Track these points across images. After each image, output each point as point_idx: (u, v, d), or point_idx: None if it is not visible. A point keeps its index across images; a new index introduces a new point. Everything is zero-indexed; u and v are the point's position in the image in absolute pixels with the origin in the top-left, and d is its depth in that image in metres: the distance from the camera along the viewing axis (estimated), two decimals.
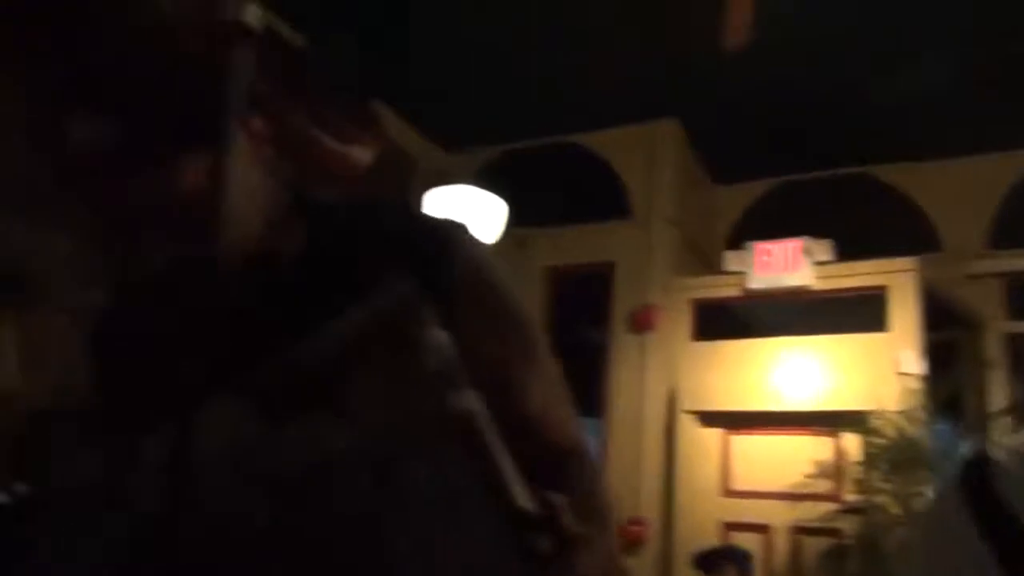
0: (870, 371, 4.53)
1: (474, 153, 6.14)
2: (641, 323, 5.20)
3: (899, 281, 4.68)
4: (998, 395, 5.10)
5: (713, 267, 5.58)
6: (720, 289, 5.15)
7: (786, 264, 4.85)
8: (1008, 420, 4.83)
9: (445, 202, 4.18)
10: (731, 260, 5.08)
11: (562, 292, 5.69)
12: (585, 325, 5.66)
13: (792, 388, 4.72)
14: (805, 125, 5.30)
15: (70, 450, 0.87)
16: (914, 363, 4.43)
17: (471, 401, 0.72)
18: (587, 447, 0.98)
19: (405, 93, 5.26)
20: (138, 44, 0.71)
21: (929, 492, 4.12)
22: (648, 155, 5.53)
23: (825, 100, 4.99)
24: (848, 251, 4.97)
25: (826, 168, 5.82)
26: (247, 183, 0.79)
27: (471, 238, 0.92)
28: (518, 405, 0.88)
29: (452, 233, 0.90)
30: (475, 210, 4.19)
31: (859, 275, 4.78)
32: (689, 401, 5.01)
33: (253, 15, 0.72)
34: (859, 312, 4.75)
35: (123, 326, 0.91)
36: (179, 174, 0.75)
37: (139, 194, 0.75)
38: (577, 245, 5.62)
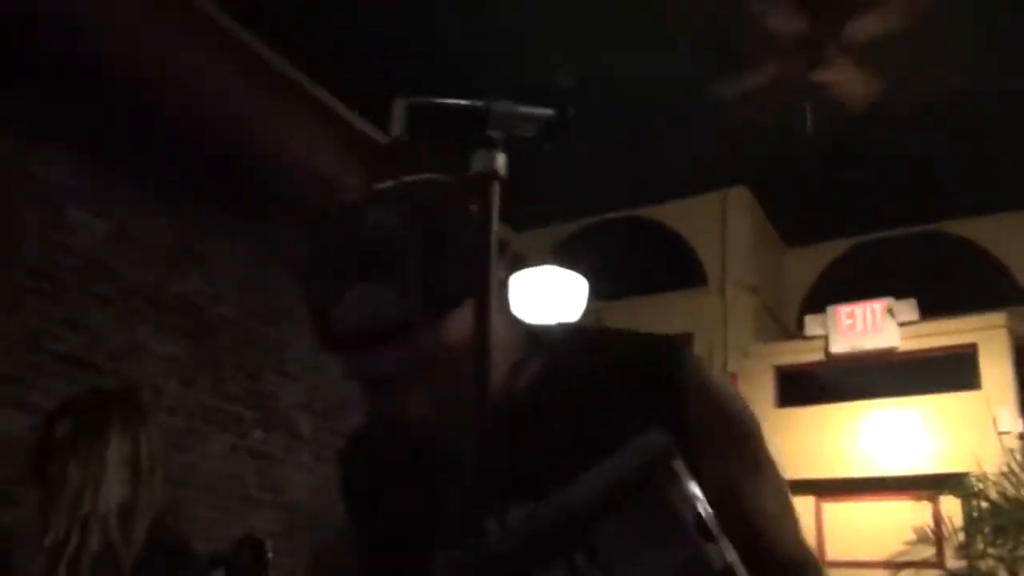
0: (966, 431, 4.43)
1: (546, 232, 6.24)
2: None
3: (989, 337, 4.60)
4: None
5: (791, 332, 5.55)
6: (802, 354, 5.10)
7: (870, 326, 4.80)
8: None
9: (528, 283, 4.25)
10: (812, 324, 5.05)
11: None
12: None
13: (884, 452, 4.63)
14: (875, 184, 5.30)
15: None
16: (1012, 421, 4.33)
17: (730, 553, 0.73)
18: (815, 558, 0.99)
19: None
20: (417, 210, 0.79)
21: None
22: (719, 222, 5.57)
23: (893, 157, 5.00)
24: (929, 309, 4.92)
25: (899, 227, 5.79)
26: (497, 329, 0.83)
27: (693, 357, 0.95)
28: (750, 521, 0.90)
29: (679, 356, 0.94)
30: (557, 288, 4.25)
31: (947, 333, 4.71)
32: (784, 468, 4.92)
33: (502, 163, 0.78)
34: (948, 371, 4.67)
35: (373, 464, 0.99)
36: (448, 328, 0.81)
37: (408, 352, 0.81)
38: (654, 316, 5.63)
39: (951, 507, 4.36)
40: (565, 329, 1.01)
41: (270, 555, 1.46)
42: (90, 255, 3.83)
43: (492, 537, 0.81)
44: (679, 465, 0.75)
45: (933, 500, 4.50)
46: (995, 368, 4.51)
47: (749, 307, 5.44)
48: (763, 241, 5.81)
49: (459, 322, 0.84)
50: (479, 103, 0.77)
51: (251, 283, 4.53)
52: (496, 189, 0.77)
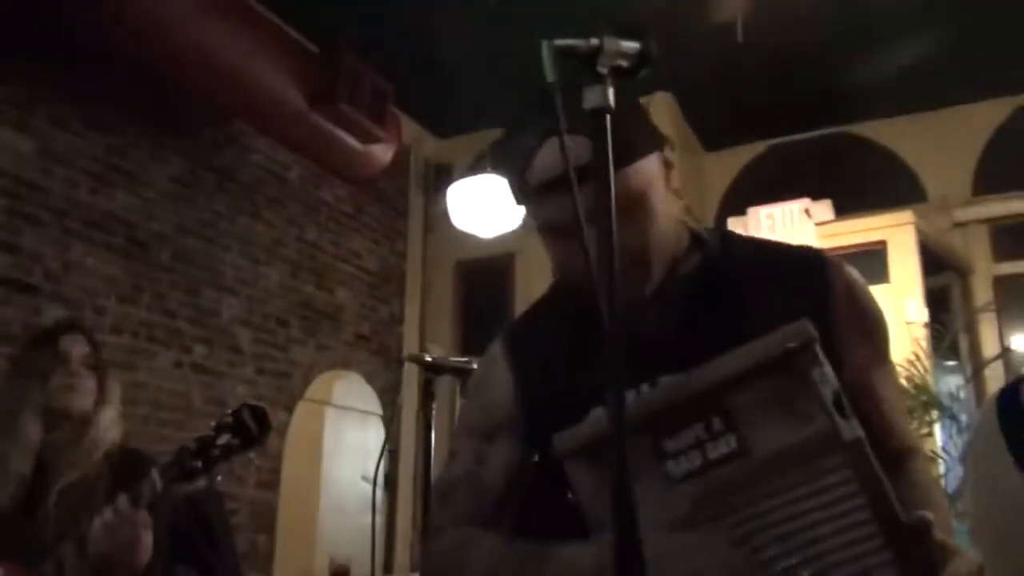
0: None
1: (467, 140, 6.25)
2: None
3: (897, 233, 4.89)
4: (989, 337, 5.37)
5: None
6: None
7: (788, 226, 5.04)
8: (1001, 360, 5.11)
9: (471, 192, 4.30)
10: (734, 225, 5.25)
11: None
12: None
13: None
14: (785, 88, 5.48)
15: None
16: (919, 311, 4.67)
17: (859, 429, 0.87)
18: (921, 446, 1.15)
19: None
20: None
21: (939, 434, 4.37)
22: None
23: (804, 62, 5.17)
24: (841, 209, 5.18)
25: (809, 130, 6.02)
26: (661, 222, 1.06)
27: (837, 261, 1.13)
28: (877, 406, 1.06)
29: (824, 257, 1.13)
30: (496, 196, 4.32)
31: (859, 231, 4.98)
32: None
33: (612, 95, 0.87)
34: (860, 267, 4.95)
35: (533, 341, 1.15)
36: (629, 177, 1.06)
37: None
38: None
39: None
40: (721, 232, 1.22)
41: (272, 426, 1.61)
42: (17, 174, 3.71)
43: (644, 395, 0.94)
44: (820, 350, 0.89)
45: None
46: (903, 263, 4.82)
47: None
48: (684, 145, 5.97)
49: (638, 174, 1.04)
50: (594, 41, 0.85)
51: (182, 199, 4.46)
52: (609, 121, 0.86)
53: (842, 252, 5.01)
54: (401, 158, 5.52)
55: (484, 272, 6.24)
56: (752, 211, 5.20)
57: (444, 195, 6.18)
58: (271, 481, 4.78)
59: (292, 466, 4.89)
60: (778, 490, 0.88)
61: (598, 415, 1.02)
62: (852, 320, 1.10)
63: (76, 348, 1.87)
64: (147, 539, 1.60)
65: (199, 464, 1.54)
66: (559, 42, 0.86)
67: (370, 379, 5.64)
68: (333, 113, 4.05)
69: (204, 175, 4.59)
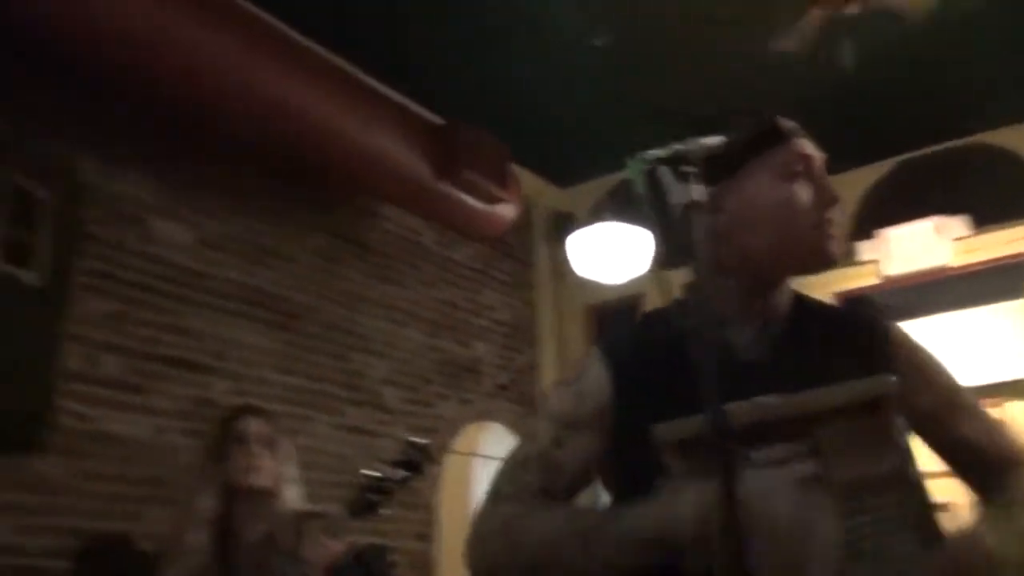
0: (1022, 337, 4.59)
1: (587, 188, 6.40)
2: None
3: None
4: None
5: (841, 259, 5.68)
6: (857, 280, 5.25)
7: (921, 245, 4.94)
8: None
9: (591, 240, 4.44)
10: (864, 249, 5.19)
11: None
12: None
13: (947, 365, 4.78)
14: (909, 102, 5.38)
15: None
16: None
17: (920, 469, 1.02)
18: None
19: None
20: None
21: None
22: None
23: (925, 73, 5.07)
24: (976, 222, 5.03)
25: (939, 142, 5.87)
26: None
27: (891, 321, 1.31)
28: (966, 431, 1.20)
29: (884, 314, 1.34)
30: (621, 244, 4.43)
31: (996, 245, 4.84)
32: None
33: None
34: (999, 281, 4.80)
35: (639, 371, 1.28)
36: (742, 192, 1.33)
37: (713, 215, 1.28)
38: None
39: (1018, 411, 4.53)
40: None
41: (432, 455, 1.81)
42: (180, 263, 4.08)
43: (738, 409, 1.06)
44: (897, 395, 1.03)
45: (999, 406, 4.67)
46: None
47: None
48: None
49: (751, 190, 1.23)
50: (678, 147, 1.01)
51: (326, 271, 4.78)
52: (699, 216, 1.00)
53: (978, 268, 4.86)
54: (524, 211, 5.72)
55: (614, 314, 6.34)
56: (880, 234, 5.12)
57: (568, 243, 6.37)
58: (427, 533, 4.99)
59: (447, 517, 5.08)
60: (848, 512, 1.01)
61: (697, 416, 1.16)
62: (919, 367, 1.28)
63: (253, 428, 2.09)
64: None
65: (377, 498, 1.74)
66: (647, 155, 1.00)
67: (512, 427, 5.80)
68: (457, 180, 4.29)
69: (343, 247, 4.91)
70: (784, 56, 4.76)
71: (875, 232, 5.16)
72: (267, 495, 2.04)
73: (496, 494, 1.25)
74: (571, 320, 6.39)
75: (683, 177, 1.02)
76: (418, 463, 1.78)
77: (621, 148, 4.55)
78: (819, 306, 1.42)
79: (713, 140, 1.06)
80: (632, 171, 1.02)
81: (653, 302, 5.52)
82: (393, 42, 4.53)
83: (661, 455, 1.12)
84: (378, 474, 1.79)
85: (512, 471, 1.26)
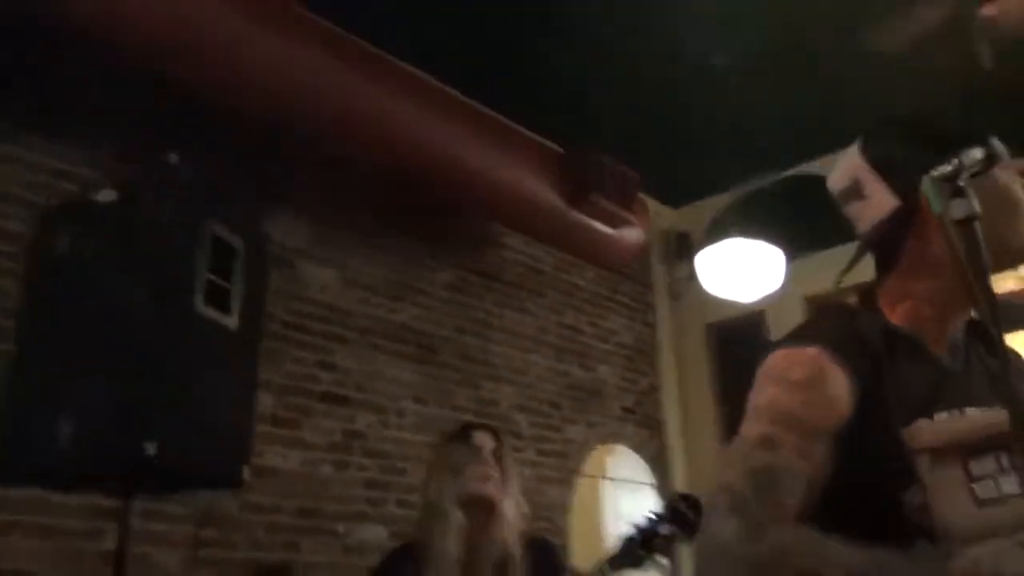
0: None
1: (702, 206, 6.39)
2: None
3: None
4: None
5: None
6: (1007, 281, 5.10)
7: None
8: None
9: (721, 258, 4.44)
10: None
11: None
12: None
13: None
14: None
15: None
16: None
17: None
18: None
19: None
20: None
21: None
22: None
23: None
24: None
25: None
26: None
27: None
28: None
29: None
30: (752, 261, 4.42)
31: None
32: None
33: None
34: None
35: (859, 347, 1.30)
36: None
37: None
38: (834, 270, 5.71)
39: None
40: None
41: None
42: (325, 301, 4.25)
43: (957, 419, 1.09)
44: None
45: None
46: None
47: None
48: None
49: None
50: (955, 161, 1.05)
51: (457, 303, 4.89)
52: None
53: None
54: None
55: (735, 331, 6.28)
56: None
57: (686, 263, 6.35)
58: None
59: (579, 538, 5.11)
60: None
61: (943, 417, 1.17)
62: None
63: (487, 443, 2.17)
64: None
65: (643, 552, 1.77)
66: (935, 174, 1.04)
67: (638, 449, 5.81)
68: (587, 206, 4.35)
69: (472, 279, 5.02)
70: (897, 63, 4.68)
71: None
72: (494, 507, 2.13)
73: (754, 524, 1.11)
74: (691, 339, 6.36)
75: (959, 192, 1.05)
76: (690, 519, 1.77)
77: (735, 165, 4.59)
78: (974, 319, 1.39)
79: (980, 151, 1.10)
80: (928, 191, 1.07)
81: (776, 318, 5.45)
82: (520, 75, 4.63)
83: (911, 462, 1.12)
84: (647, 526, 1.81)
85: (765, 491, 1.13)
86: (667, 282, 6.47)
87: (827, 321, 1.37)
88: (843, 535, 1.08)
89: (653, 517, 1.79)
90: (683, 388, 6.31)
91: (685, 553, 2.00)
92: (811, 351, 1.25)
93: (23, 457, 2.05)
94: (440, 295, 4.81)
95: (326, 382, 4.14)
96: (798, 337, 1.33)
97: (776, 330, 5.96)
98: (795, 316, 5.89)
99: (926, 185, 1.07)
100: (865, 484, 1.17)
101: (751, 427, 1.22)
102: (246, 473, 2.20)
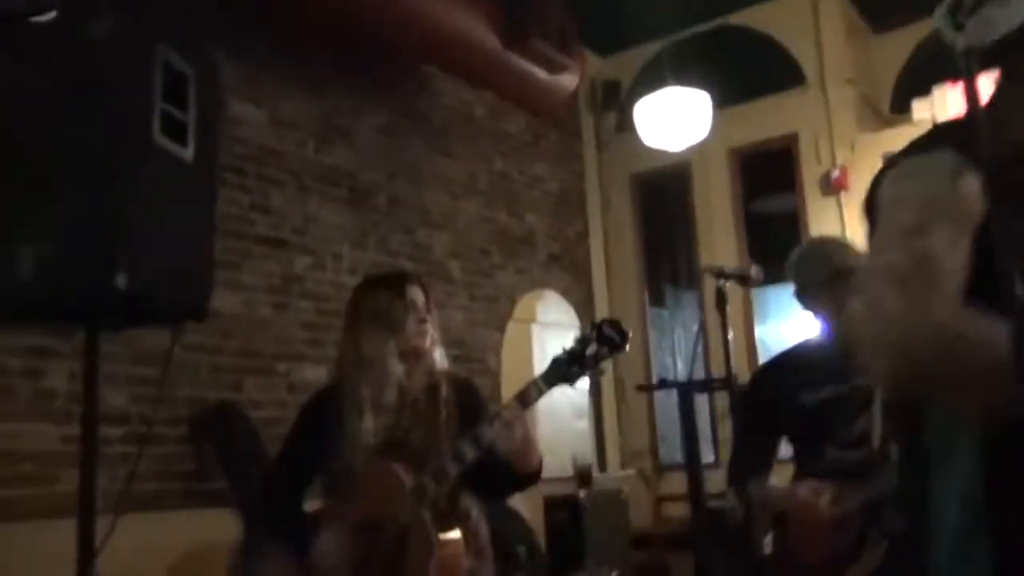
0: None
1: (635, 53, 6.37)
2: (836, 185, 5.44)
3: None
4: None
5: (888, 119, 5.72)
6: (909, 138, 5.29)
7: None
8: None
9: (654, 107, 4.48)
10: (919, 107, 5.21)
11: (749, 170, 5.98)
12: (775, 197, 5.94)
13: None
14: None
15: None
16: None
17: None
18: None
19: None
20: None
21: None
22: (811, 19, 5.67)
23: None
24: None
25: None
26: None
27: None
28: None
29: None
30: (682, 108, 4.47)
31: None
32: None
33: None
34: None
35: None
36: None
37: None
38: (758, 122, 5.84)
39: None
40: None
41: (630, 333, 1.92)
42: (257, 142, 4.15)
43: None
44: None
45: None
46: None
47: (849, 100, 5.60)
48: (853, 31, 5.89)
49: None
50: None
51: (389, 147, 4.84)
52: None
53: None
54: None
55: (660, 182, 6.42)
56: (938, 89, 5.14)
57: (613, 113, 6.39)
58: (493, 396, 5.22)
59: (509, 380, 5.31)
60: None
61: None
62: None
63: (419, 296, 2.22)
64: (535, 433, 1.96)
65: (575, 369, 1.88)
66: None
67: (565, 295, 5.98)
68: (526, 50, 4.29)
69: (403, 122, 4.95)
70: None
71: (932, 88, 5.17)
72: (427, 356, 2.19)
73: (917, 292, 1.12)
74: (618, 188, 6.47)
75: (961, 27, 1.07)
76: (616, 341, 1.90)
77: (664, 16, 4.58)
78: None
79: None
80: (939, 20, 1.06)
81: (700, 169, 5.58)
82: None
83: None
84: (577, 347, 1.92)
85: (920, 267, 1.13)
86: (594, 131, 6.51)
87: (952, 130, 1.33)
88: None
89: (582, 338, 1.93)
90: (608, 236, 6.46)
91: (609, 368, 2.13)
92: (946, 154, 1.21)
93: None
94: (371, 138, 4.74)
95: (262, 225, 4.10)
96: (927, 145, 1.31)
97: (700, 180, 6.12)
98: (719, 168, 6.05)
99: (937, 13, 1.07)
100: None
101: (901, 215, 1.21)
102: (210, 306, 2.21)
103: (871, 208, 1.36)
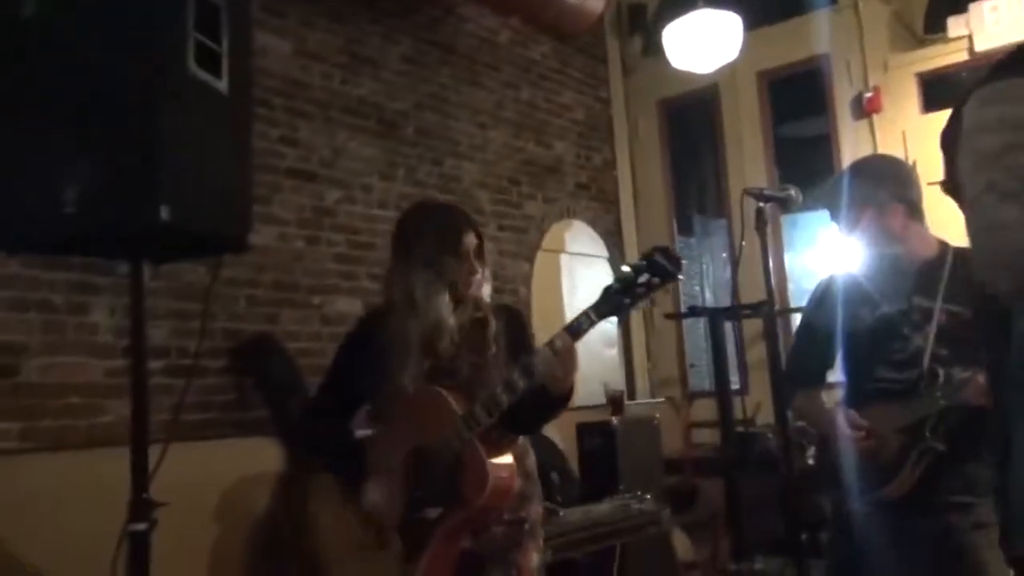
0: None
1: None
2: (868, 107, 5.34)
3: None
4: None
5: (922, 38, 5.58)
6: (944, 57, 5.18)
7: (1016, 18, 4.82)
8: None
9: (684, 32, 4.39)
10: (954, 25, 5.08)
11: (779, 93, 5.87)
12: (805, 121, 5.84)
13: None
14: None
15: None
16: None
17: None
18: None
19: None
20: None
21: None
22: None
23: None
24: None
25: None
26: None
27: None
28: None
29: None
30: (712, 30, 4.39)
31: None
32: (928, 174, 5.15)
33: None
34: None
35: None
36: None
37: None
38: (789, 42, 5.72)
39: None
40: None
41: (684, 262, 1.89)
42: (282, 74, 4.12)
43: None
44: None
45: None
46: None
47: (882, 18, 5.46)
48: None
49: None
50: None
51: (415, 77, 4.79)
52: None
53: None
54: None
55: (688, 107, 6.32)
56: (974, 6, 4.99)
57: (639, 37, 6.27)
58: None
59: (539, 310, 5.34)
60: None
61: None
62: None
63: (474, 244, 2.19)
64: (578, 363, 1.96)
65: (627, 300, 1.86)
66: None
67: (593, 224, 5.96)
68: None
69: (429, 51, 4.90)
70: None
71: (968, 6, 5.02)
72: (478, 300, 2.18)
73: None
74: (645, 114, 6.39)
75: None
76: (667, 270, 1.85)
77: None
78: None
79: None
80: None
81: (728, 93, 5.49)
82: None
83: None
84: (630, 277, 1.88)
85: None
86: (620, 56, 6.40)
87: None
88: None
89: (634, 267, 1.88)
90: (635, 164, 6.40)
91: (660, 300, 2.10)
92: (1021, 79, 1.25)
93: (21, 225, 2.03)
94: (397, 68, 4.70)
95: (291, 158, 4.10)
96: (1005, 71, 1.32)
97: (729, 105, 6.02)
98: (748, 91, 5.94)
99: None
100: None
101: (986, 141, 1.24)
102: (251, 238, 2.22)
103: (951, 140, 1.35)
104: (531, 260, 5.39)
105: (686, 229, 6.48)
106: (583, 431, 4.25)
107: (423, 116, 4.80)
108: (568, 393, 2.02)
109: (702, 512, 4.80)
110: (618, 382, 5.00)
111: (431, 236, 2.17)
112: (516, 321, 2.21)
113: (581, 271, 5.86)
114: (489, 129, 5.23)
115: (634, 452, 4.09)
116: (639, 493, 3.74)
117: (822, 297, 2.31)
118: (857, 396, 2.17)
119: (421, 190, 4.69)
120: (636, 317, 6.09)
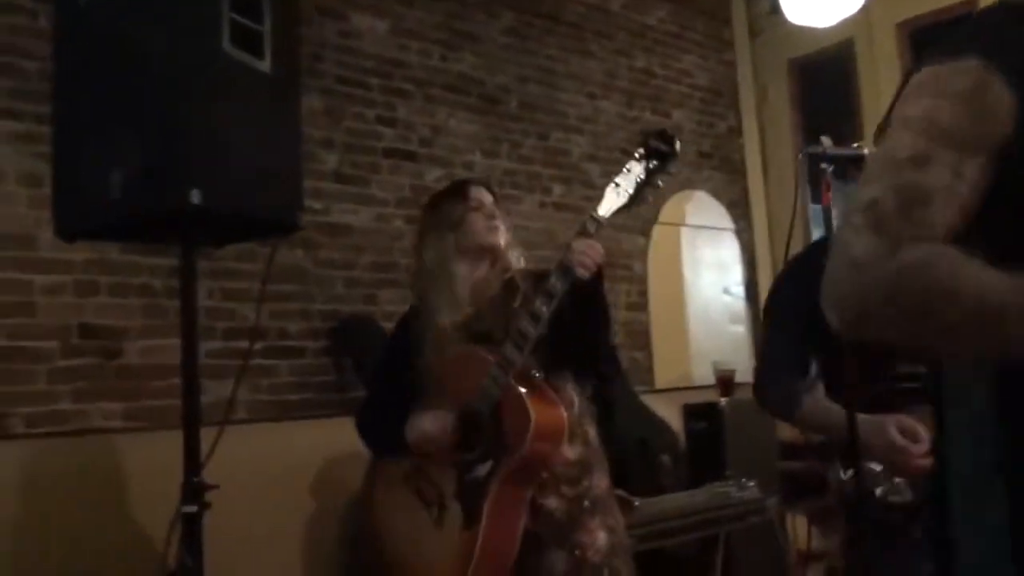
0: None
1: None
2: None
3: None
4: None
5: None
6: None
7: None
8: None
9: None
10: None
11: (923, 47, 5.40)
12: None
13: None
14: None
15: None
16: None
17: None
18: None
19: None
20: None
21: None
22: None
23: None
24: None
25: None
26: None
27: None
28: None
29: None
30: None
31: None
32: None
33: None
34: None
35: None
36: None
37: None
38: None
39: None
40: None
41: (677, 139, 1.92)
42: (379, 54, 4.11)
43: None
44: None
45: None
46: None
47: None
48: None
49: None
50: None
51: (518, 49, 4.68)
52: None
53: None
54: None
55: (821, 66, 5.91)
56: None
57: None
58: (640, 303, 5.09)
59: (657, 286, 5.15)
60: None
61: None
62: None
63: (485, 197, 2.15)
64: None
65: (632, 192, 1.80)
66: None
67: (717, 195, 5.69)
68: None
69: (533, 22, 4.77)
70: None
71: None
72: (499, 255, 2.14)
73: (892, 238, 1.00)
74: (774, 77, 6.02)
75: None
76: (666, 151, 1.78)
77: None
78: None
79: None
80: None
81: (865, 49, 5.08)
82: None
83: None
84: (630, 168, 1.84)
85: (910, 208, 1.02)
86: (745, 17, 6.05)
87: (989, 26, 1.11)
88: (988, 260, 0.96)
89: (631, 160, 1.84)
90: (764, 129, 6.06)
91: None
92: (971, 63, 1.07)
93: (79, 212, 2.08)
94: (499, 41, 4.60)
95: (389, 138, 4.09)
96: (955, 47, 1.11)
97: (865, 62, 5.58)
98: (886, 46, 5.48)
99: None
100: (1020, 208, 1.04)
101: (900, 140, 1.07)
102: (301, 219, 2.19)
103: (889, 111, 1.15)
104: (647, 234, 5.19)
105: (820, 197, 6.07)
106: (688, 413, 4.06)
107: (527, 89, 4.69)
108: (597, 281, 1.96)
109: (831, 499, 4.49)
110: (735, 360, 4.73)
111: (438, 198, 2.20)
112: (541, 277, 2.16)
113: (704, 244, 5.61)
114: (599, 99, 5.05)
115: (745, 436, 3.86)
116: (743, 480, 3.52)
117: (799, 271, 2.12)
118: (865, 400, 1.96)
119: (526, 165, 4.60)
120: (764, 289, 5.77)
